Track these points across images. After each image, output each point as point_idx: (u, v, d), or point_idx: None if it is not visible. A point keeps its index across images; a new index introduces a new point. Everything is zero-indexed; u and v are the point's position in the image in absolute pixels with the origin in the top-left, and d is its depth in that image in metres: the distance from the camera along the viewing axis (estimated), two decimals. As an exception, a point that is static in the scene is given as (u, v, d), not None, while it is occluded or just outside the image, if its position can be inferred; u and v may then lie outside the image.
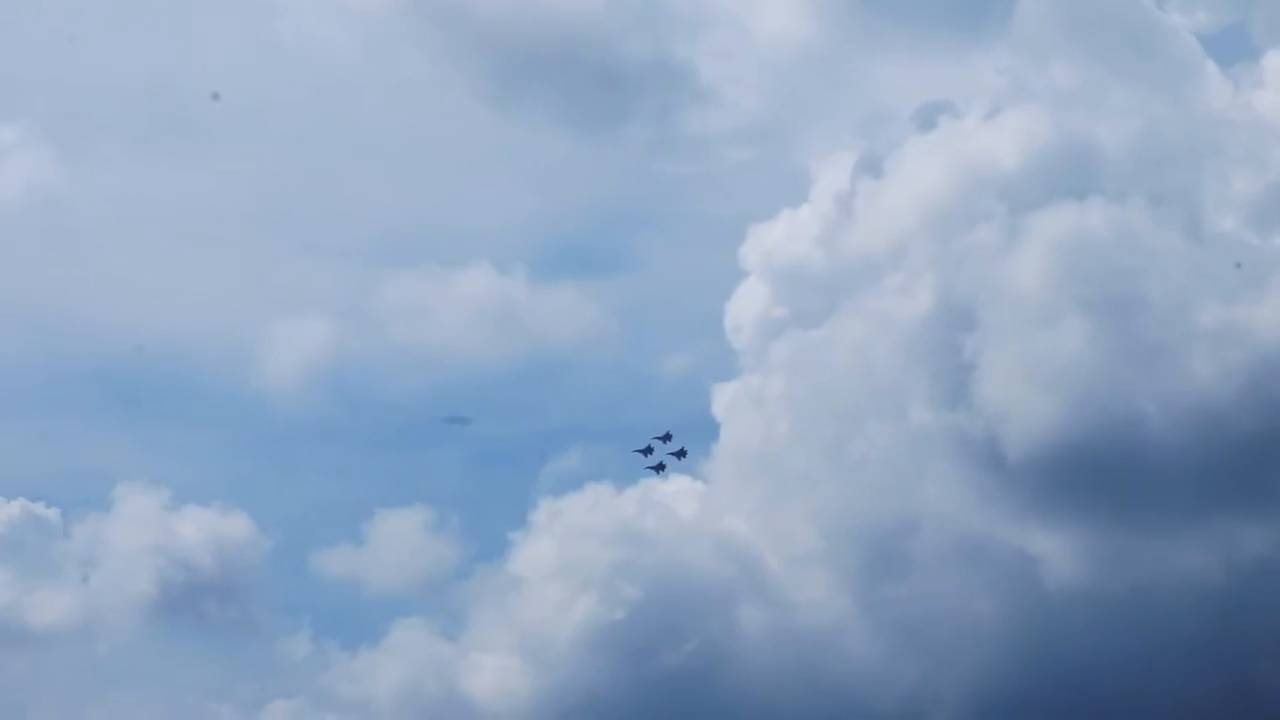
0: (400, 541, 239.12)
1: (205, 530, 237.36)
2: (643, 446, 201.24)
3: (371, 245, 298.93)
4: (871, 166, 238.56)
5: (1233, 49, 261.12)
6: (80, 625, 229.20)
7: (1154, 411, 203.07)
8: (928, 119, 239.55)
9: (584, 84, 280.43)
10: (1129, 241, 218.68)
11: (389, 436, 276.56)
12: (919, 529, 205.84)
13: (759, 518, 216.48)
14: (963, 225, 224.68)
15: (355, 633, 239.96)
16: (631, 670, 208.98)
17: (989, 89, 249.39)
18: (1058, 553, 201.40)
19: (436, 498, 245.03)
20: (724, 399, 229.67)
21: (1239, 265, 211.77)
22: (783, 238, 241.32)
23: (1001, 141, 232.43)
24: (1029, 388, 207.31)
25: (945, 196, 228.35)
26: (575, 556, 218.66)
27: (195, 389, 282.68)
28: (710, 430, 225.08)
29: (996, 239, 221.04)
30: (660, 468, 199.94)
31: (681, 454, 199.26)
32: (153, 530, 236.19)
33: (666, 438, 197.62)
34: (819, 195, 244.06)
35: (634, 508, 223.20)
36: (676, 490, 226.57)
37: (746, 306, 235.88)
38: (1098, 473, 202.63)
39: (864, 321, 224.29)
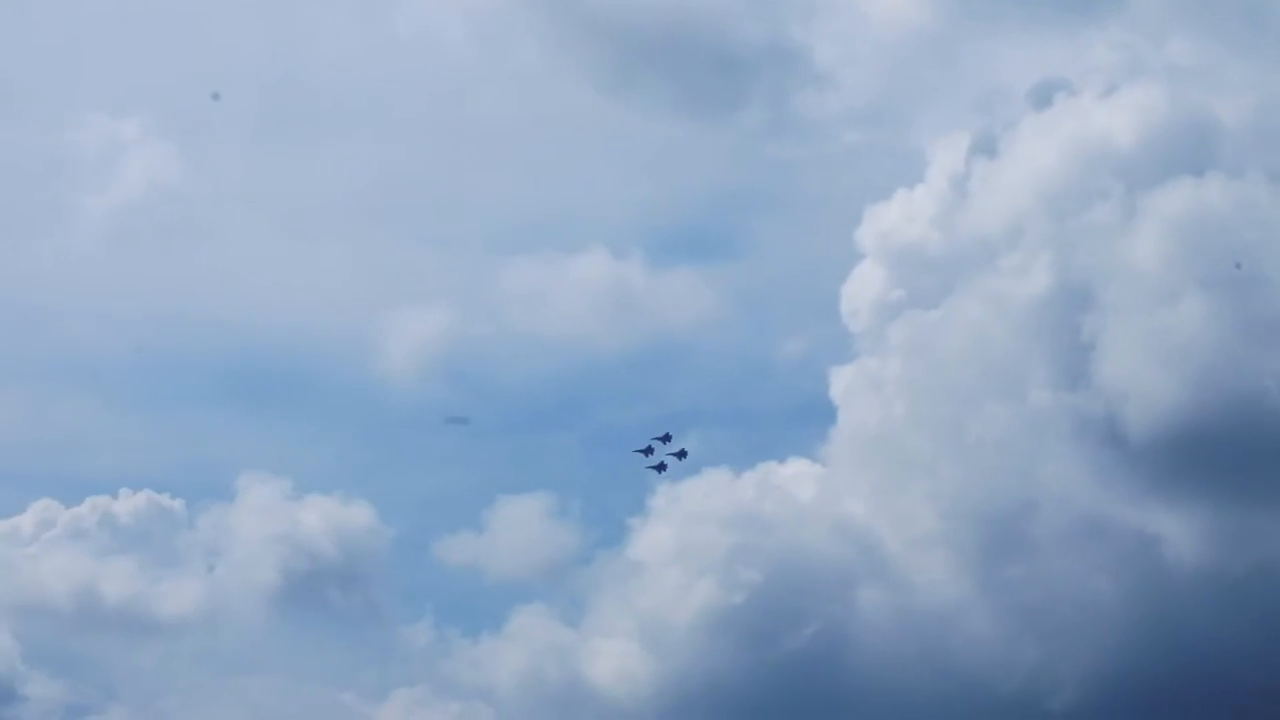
0: (520, 528, 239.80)
1: (327, 519, 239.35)
2: (643, 447, 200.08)
3: (488, 233, 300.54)
4: (986, 146, 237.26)
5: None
6: (206, 614, 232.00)
7: (1275, 389, 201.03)
8: (1043, 97, 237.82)
9: (699, 69, 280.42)
10: (1249, 217, 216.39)
11: (508, 423, 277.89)
12: (1039, 510, 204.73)
13: (878, 500, 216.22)
14: (1080, 204, 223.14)
15: (476, 619, 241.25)
16: (751, 654, 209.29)
17: (1105, 66, 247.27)
18: (1179, 532, 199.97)
19: (556, 484, 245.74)
20: (841, 382, 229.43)
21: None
22: (898, 219, 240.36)
23: (1118, 119, 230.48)
24: (1149, 367, 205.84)
25: (1062, 175, 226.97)
26: (694, 541, 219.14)
27: (316, 379, 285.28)
28: (828, 413, 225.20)
29: (1114, 217, 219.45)
30: (661, 467, 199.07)
31: (682, 454, 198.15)
32: (276, 520, 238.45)
33: (666, 438, 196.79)
34: (934, 176, 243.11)
35: (752, 492, 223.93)
36: (795, 474, 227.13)
37: (863, 289, 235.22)
38: (1219, 451, 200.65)
39: (981, 302, 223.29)
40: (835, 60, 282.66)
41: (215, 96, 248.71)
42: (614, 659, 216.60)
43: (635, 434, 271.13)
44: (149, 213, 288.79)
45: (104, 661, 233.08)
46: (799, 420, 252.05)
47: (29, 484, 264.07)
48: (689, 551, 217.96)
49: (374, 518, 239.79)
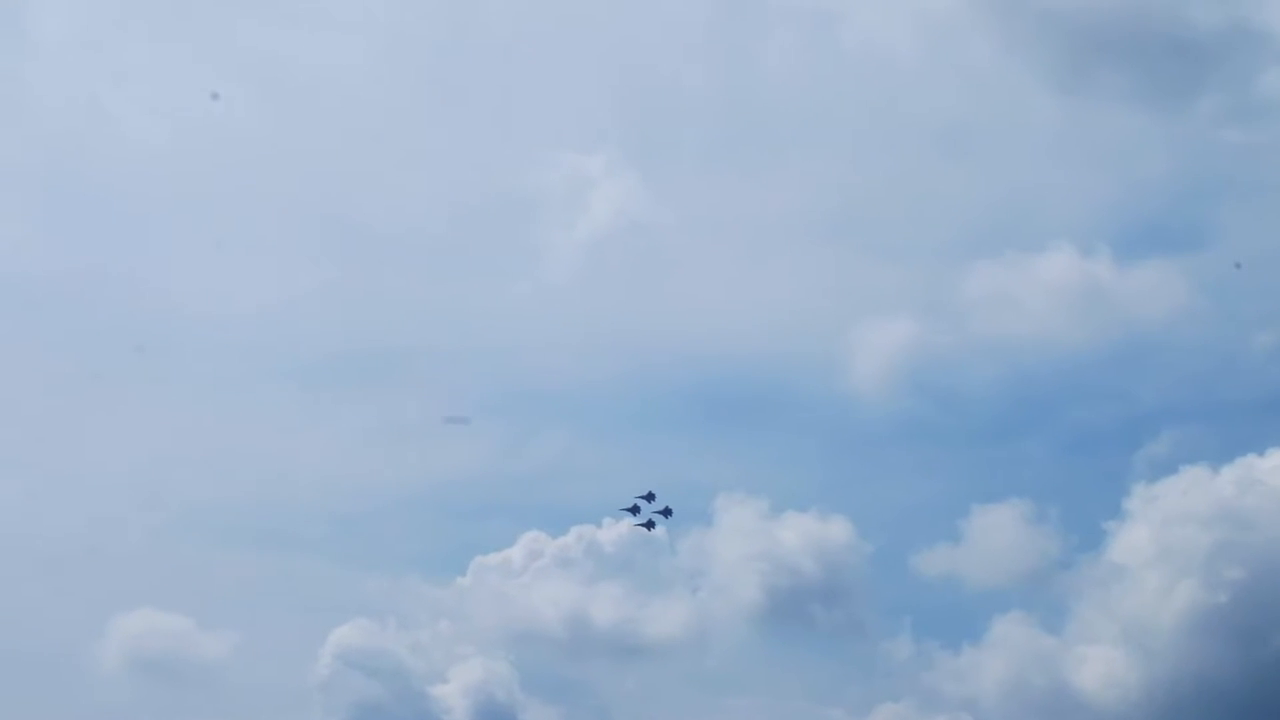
0: (997, 536, 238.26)
1: (805, 536, 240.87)
2: (629, 505, 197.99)
3: (947, 239, 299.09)
4: None
5: None
6: (692, 636, 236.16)
7: None
8: None
9: (1155, 57, 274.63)
10: None
11: (979, 430, 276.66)
12: None
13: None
14: None
15: (956, 631, 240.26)
16: (1241, 654, 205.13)
17: None
18: None
19: (1031, 490, 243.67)
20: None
21: None
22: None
23: None
24: None
25: None
26: (1174, 541, 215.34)
27: (786, 398, 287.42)
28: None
29: None
30: (650, 525, 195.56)
31: (667, 512, 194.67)
32: (755, 539, 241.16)
33: (650, 497, 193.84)
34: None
35: (1232, 488, 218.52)
36: (1276, 466, 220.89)
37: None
38: None
39: None
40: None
41: (215, 96, 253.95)
42: (1099, 665, 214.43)
43: (1109, 435, 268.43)
44: (617, 245, 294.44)
45: (595, 686, 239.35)
46: (1278, 410, 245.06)
47: (518, 517, 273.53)
48: (1169, 552, 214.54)
49: (851, 533, 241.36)
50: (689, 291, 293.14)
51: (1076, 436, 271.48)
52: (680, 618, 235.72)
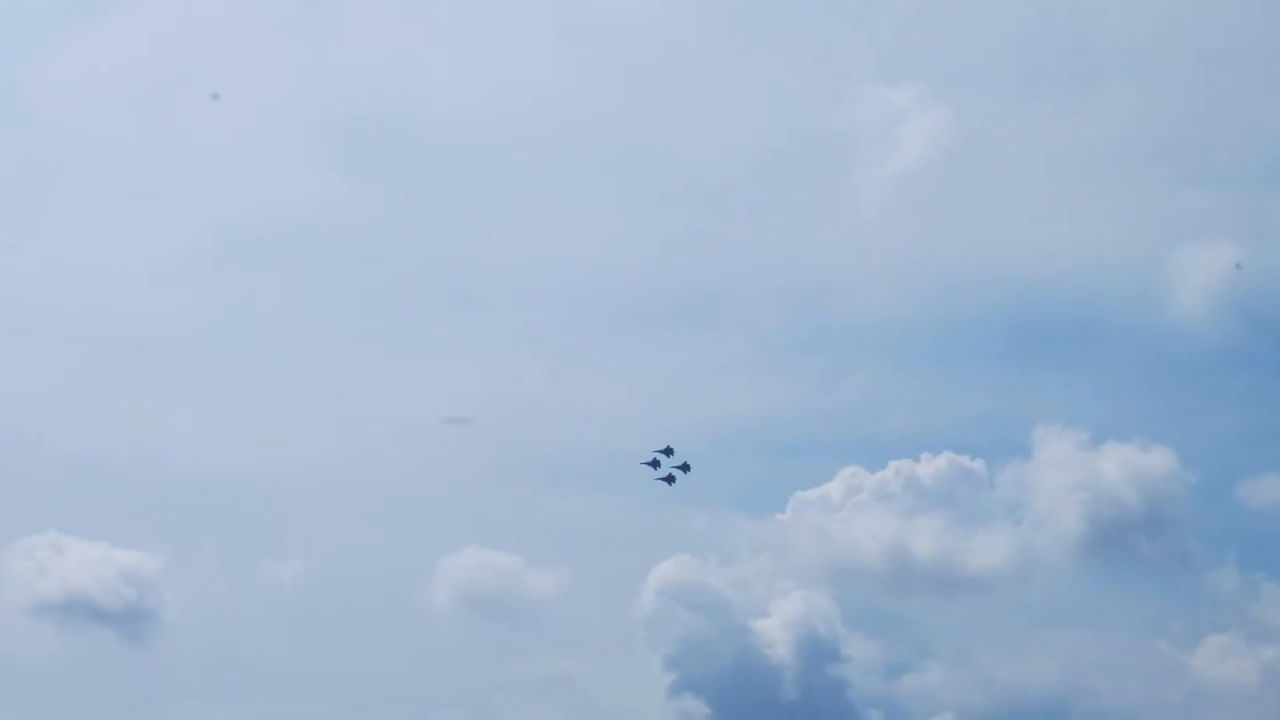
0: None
1: (1127, 467, 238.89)
2: (649, 460, 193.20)
3: (1269, 162, 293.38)
4: None
5: None
6: (1013, 569, 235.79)
7: None
8: None
9: None
10: None
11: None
12: None
13: None
14: None
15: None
16: None
17: None
18: None
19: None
20: None
21: None
22: None
23: None
24: None
25: None
26: None
27: (1104, 326, 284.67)
28: None
29: None
30: (670, 480, 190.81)
31: (685, 468, 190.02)
32: (1075, 470, 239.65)
33: (668, 451, 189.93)
34: None
35: None
36: None
37: None
38: None
39: None
40: None
41: (215, 96, 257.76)
42: None
43: None
44: (929, 178, 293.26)
45: (917, 619, 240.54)
46: None
47: (835, 452, 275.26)
48: None
49: (1175, 462, 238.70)
50: (1003, 223, 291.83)
51: None
52: (1001, 551, 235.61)
